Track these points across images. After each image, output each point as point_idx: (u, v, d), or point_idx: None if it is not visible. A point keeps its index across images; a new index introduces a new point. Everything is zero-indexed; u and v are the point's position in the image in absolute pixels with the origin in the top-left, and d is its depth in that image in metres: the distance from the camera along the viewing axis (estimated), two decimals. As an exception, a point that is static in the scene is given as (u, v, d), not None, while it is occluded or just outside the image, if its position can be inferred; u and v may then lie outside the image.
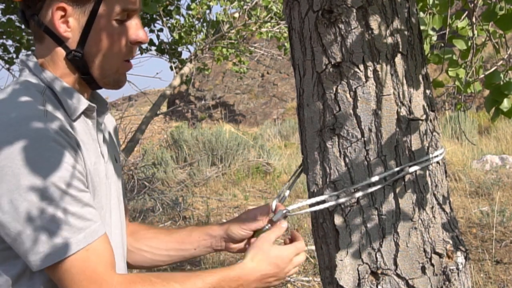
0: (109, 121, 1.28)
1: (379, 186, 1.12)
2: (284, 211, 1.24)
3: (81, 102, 1.07)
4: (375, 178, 1.11)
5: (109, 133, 1.25)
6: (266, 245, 1.18)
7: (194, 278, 1.05)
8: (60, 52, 1.07)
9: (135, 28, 1.11)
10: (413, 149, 1.14)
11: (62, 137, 0.96)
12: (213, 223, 1.30)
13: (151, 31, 4.83)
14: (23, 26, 3.92)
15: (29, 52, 1.16)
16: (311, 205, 1.19)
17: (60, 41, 1.07)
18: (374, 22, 1.11)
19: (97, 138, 1.13)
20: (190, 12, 5.23)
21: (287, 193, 1.28)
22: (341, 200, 1.14)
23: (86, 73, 1.09)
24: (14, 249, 0.94)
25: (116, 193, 1.18)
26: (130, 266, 1.32)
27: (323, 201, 1.16)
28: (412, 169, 1.13)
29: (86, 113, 1.11)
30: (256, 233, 1.29)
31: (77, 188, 0.96)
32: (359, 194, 1.12)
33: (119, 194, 1.21)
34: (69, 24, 1.06)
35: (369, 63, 1.11)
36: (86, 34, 1.06)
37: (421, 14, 1.62)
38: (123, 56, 1.11)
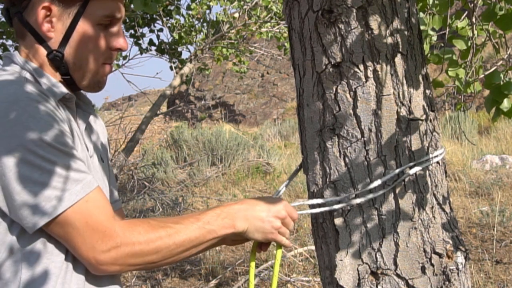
0: (97, 123, 1.30)
1: (380, 192, 1.12)
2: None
3: (61, 88, 1.09)
4: (377, 183, 1.11)
5: (97, 134, 1.27)
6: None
7: (189, 218, 1.10)
8: (41, 51, 1.10)
9: (116, 35, 1.14)
10: (413, 149, 1.14)
11: (44, 99, 0.99)
12: None
13: (151, 31, 4.84)
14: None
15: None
16: (311, 206, 1.19)
17: (41, 40, 1.09)
18: (374, 22, 1.11)
19: (79, 130, 1.15)
20: (190, 12, 5.23)
21: (283, 190, 1.30)
22: (340, 205, 1.14)
23: (66, 74, 1.11)
24: (12, 213, 0.95)
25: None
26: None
27: (323, 204, 1.16)
28: (412, 171, 1.13)
29: (66, 104, 1.13)
30: None
31: (66, 144, 0.98)
32: (360, 200, 1.12)
33: (105, 192, 1.21)
34: (53, 24, 1.08)
35: (369, 63, 1.11)
36: (69, 35, 1.09)
37: (421, 14, 1.62)
38: (103, 60, 1.13)
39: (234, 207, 1.15)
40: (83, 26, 1.08)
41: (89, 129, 1.22)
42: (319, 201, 1.16)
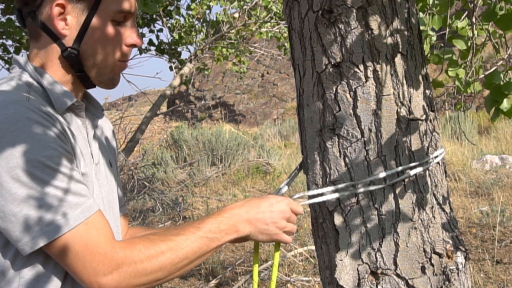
0: (106, 126, 1.28)
1: (380, 186, 1.12)
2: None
3: (68, 97, 1.08)
4: (377, 176, 1.11)
5: (106, 138, 1.25)
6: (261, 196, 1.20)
7: (189, 228, 1.08)
8: (56, 49, 1.09)
9: (130, 31, 1.13)
10: (413, 149, 1.14)
11: (45, 119, 0.97)
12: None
13: (151, 31, 4.84)
14: (23, 26, 3.91)
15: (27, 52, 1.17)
16: (310, 197, 1.18)
17: (56, 38, 1.08)
18: (374, 22, 1.11)
19: (87, 138, 1.14)
20: (190, 12, 5.23)
21: (285, 188, 1.28)
22: (340, 194, 1.14)
23: (80, 70, 1.10)
24: (7, 235, 0.93)
25: (109, 197, 1.18)
26: None
27: (323, 194, 1.16)
28: (413, 172, 1.13)
29: (75, 111, 1.12)
30: None
31: (67, 166, 0.96)
32: (360, 190, 1.12)
33: (113, 198, 1.20)
34: (67, 22, 1.07)
35: (369, 63, 1.11)
36: (83, 32, 1.08)
37: (421, 14, 1.63)
38: (118, 57, 1.12)
39: (235, 212, 1.12)
40: (97, 22, 1.07)
41: (98, 134, 1.20)
42: (320, 191, 1.16)
